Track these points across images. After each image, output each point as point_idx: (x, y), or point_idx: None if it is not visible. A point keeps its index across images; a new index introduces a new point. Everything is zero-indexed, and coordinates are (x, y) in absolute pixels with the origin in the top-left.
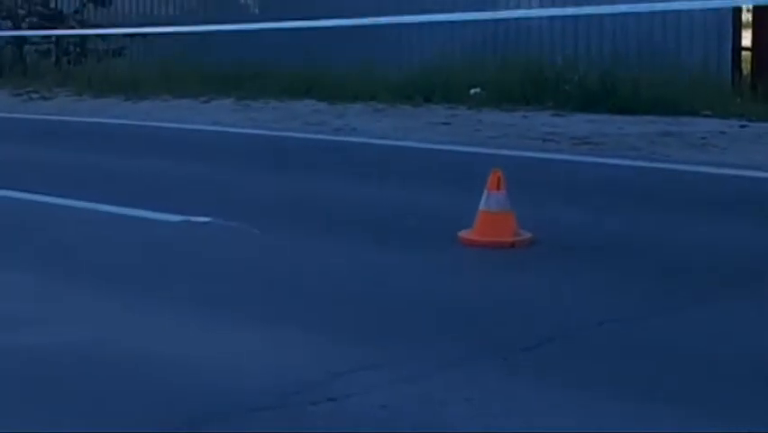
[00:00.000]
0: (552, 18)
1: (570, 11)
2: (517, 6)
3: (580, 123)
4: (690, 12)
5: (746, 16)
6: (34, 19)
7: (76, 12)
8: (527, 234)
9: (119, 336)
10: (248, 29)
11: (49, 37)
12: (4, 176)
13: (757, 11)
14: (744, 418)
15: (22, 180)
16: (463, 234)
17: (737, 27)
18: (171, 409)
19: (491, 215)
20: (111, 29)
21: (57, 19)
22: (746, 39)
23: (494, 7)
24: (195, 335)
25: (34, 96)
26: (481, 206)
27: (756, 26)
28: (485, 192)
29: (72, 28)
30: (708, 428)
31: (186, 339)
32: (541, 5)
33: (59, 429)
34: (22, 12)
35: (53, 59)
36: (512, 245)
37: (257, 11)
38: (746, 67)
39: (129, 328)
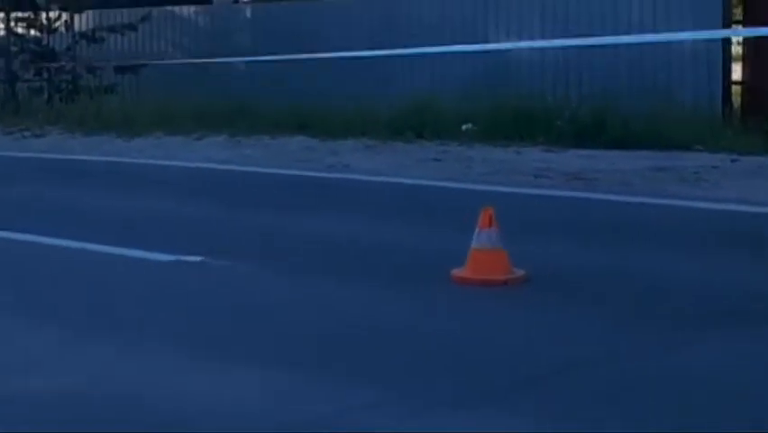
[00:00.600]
0: (543, 54)
1: (557, 43)
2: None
3: (572, 158)
4: (680, 46)
5: (737, 50)
6: (27, 56)
7: (68, 49)
8: (520, 272)
9: (110, 379)
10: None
11: (41, 74)
12: None
13: (747, 45)
14: None
15: (9, 219)
16: (456, 272)
17: (728, 61)
18: None
19: (483, 252)
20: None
21: (49, 56)
22: (737, 73)
23: (485, 42)
24: (188, 376)
25: (26, 134)
26: (473, 243)
27: (747, 60)
28: (477, 229)
29: (64, 66)
30: None
31: (179, 381)
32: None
33: None
34: (14, 49)
35: (45, 96)
36: (505, 283)
37: (243, 65)
38: (737, 101)
39: (120, 370)
